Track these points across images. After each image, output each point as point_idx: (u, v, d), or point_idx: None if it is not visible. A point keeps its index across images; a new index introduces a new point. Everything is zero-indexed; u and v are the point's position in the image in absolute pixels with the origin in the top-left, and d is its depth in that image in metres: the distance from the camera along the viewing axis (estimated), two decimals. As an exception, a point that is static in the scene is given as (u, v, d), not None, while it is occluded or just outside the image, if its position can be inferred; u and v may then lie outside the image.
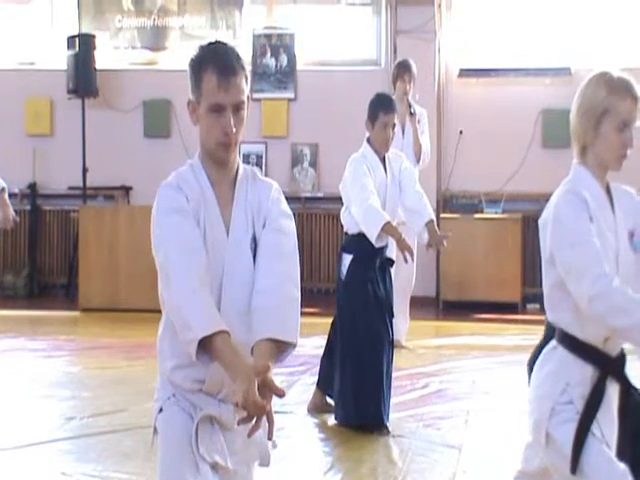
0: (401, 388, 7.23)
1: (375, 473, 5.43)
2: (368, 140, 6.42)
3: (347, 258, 6.34)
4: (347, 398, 6.23)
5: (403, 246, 6.10)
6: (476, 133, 11.65)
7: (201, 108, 3.07)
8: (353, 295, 6.28)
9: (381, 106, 6.34)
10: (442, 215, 11.29)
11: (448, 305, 11.05)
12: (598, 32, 11.51)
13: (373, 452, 5.86)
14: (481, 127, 11.63)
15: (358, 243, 6.28)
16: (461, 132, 11.71)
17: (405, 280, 8.63)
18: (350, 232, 6.35)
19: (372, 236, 6.14)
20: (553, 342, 3.40)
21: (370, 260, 6.28)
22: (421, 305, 11.15)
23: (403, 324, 8.71)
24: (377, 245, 6.20)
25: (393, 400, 6.46)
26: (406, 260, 6.12)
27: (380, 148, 6.37)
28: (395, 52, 11.83)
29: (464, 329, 9.87)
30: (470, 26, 11.87)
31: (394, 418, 6.38)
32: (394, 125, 6.35)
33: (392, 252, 6.73)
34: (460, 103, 11.82)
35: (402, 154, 6.75)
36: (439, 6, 11.76)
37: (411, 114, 8.73)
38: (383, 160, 6.40)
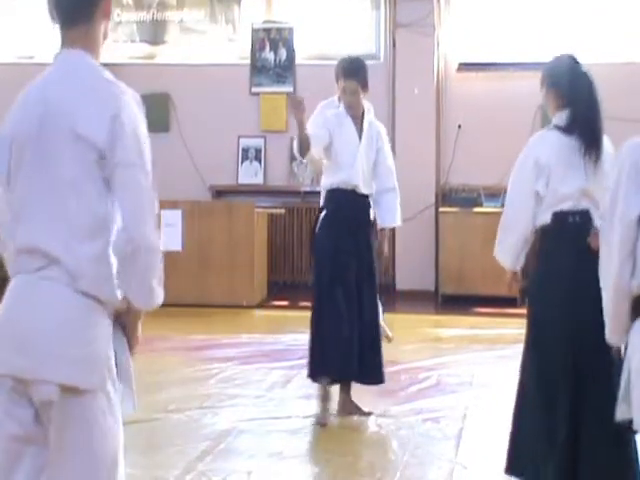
0: (400, 382, 7.25)
1: (374, 467, 5.44)
2: None
3: (321, 215, 6.44)
4: (312, 352, 6.33)
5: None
6: (475, 127, 11.64)
7: None
8: (319, 247, 6.37)
9: (340, 71, 6.42)
10: (441, 209, 11.30)
11: (447, 299, 11.05)
12: (597, 26, 11.51)
13: (371, 446, 5.87)
14: (480, 121, 11.63)
15: (328, 198, 6.40)
16: (460, 126, 11.70)
17: None
18: (324, 189, 6.46)
19: (300, 151, 6.15)
20: None
21: (339, 213, 6.34)
22: (420, 299, 11.18)
23: None
24: (304, 158, 6.21)
25: (391, 394, 6.47)
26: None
27: (346, 110, 6.40)
28: (394, 46, 11.84)
29: (463, 323, 9.88)
30: (469, 20, 11.85)
31: (393, 411, 6.39)
32: (353, 91, 6.33)
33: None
34: (459, 97, 11.82)
35: (382, 126, 6.72)
36: (438, 0, 11.76)
37: None
38: (361, 122, 6.43)
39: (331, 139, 6.29)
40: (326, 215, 6.39)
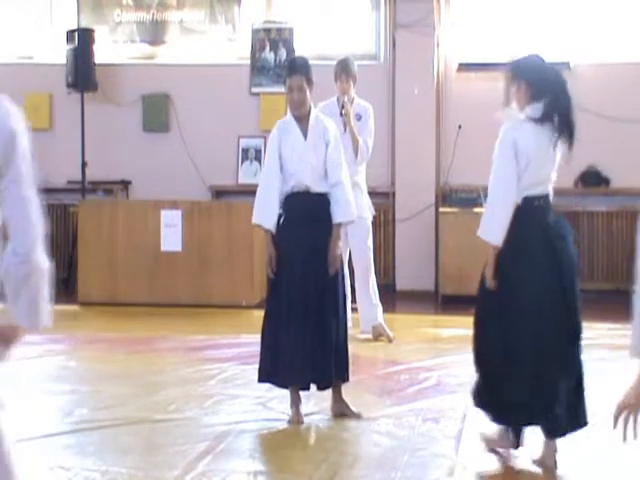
0: (400, 382, 7.24)
1: (373, 467, 5.43)
2: None
3: (280, 221, 6.35)
4: (261, 356, 6.35)
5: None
6: (475, 127, 11.63)
7: None
8: (278, 247, 6.29)
9: (287, 69, 6.51)
10: (441, 209, 11.30)
11: (447, 299, 11.05)
12: (597, 26, 11.51)
13: (371, 446, 5.86)
14: (480, 121, 11.57)
15: (285, 205, 6.30)
16: (460, 126, 11.70)
17: (362, 262, 8.59)
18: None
19: (255, 220, 6.33)
20: None
21: (295, 216, 6.28)
22: (420, 299, 11.18)
23: (369, 309, 8.65)
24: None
25: (391, 394, 6.46)
26: None
27: (291, 110, 6.40)
28: (394, 46, 11.84)
29: (463, 323, 9.81)
30: (469, 20, 11.87)
31: (393, 411, 6.39)
32: (300, 87, 6.33)
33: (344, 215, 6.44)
34: (459, 97, 11.83)
35: (330, 121, 6.65)
36: (438, 0, 11.76)
37: (340, 115, 8.61)
38: (307, 120, 6.38)
39: (280, 151, 6.30)
40: (284, 220, 6.29)
